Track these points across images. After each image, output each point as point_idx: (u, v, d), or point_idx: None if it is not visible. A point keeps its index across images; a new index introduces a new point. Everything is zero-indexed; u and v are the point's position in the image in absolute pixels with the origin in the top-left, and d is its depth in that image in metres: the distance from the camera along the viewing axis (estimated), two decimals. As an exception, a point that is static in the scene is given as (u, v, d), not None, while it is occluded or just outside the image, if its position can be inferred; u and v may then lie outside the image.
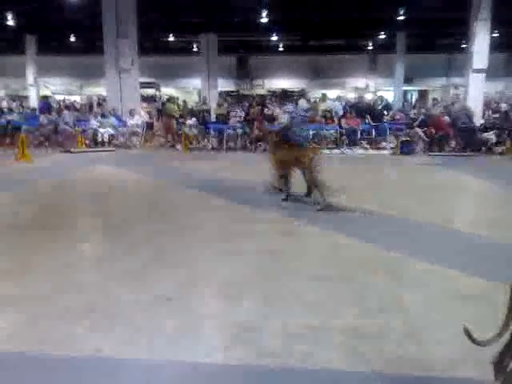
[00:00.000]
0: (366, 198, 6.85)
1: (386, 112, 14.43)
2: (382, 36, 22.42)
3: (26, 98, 23.45)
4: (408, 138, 12.27)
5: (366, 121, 13.25)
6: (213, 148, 13.24)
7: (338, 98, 16.97)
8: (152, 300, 3.47)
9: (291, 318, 3.18)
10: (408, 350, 2.80)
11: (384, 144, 13.03)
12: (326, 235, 5.09)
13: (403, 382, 2.53)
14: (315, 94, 24.19)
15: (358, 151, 12.58)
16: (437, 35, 22.39)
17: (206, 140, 13.73)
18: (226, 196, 6.97)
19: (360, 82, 27.54)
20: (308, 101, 15.87)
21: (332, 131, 13.05)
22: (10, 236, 5.10)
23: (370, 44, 25.29)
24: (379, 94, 21.80)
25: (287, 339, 2.91)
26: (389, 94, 22.59)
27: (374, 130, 13.08)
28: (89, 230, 5.58)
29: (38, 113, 15.14)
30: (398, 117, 13.97)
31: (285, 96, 25.54)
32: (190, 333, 3.00)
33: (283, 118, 6.79)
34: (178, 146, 13.17)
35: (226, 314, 3.27)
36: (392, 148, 12.49)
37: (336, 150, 12.57)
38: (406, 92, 26.51)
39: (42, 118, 13.69)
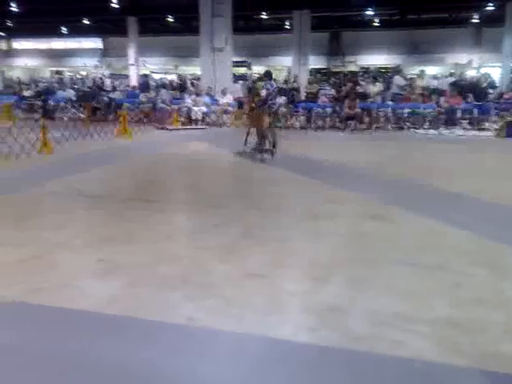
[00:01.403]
0: (463, 183, 6.44)
1: (491, 90, 13.32)
2: (490, 8, 20.52)
3: (127, 76, 24.88)
4: (516, 119, 11.26)
5: (469, 100, 12.33)
6: (301, 127, 13.17)
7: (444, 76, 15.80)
8: (242, 275, 3.57)
9: (379, 303, 3.11)
10: (507, 346, 2.61)
11: (487, 125, 12.07)
12: (419, 221, 4.88)
13: (502, 380, 2.37)
14: (412, 70, 22.97)
15: (458, 132, 11.78)
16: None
17: (294, 118, 13.68)
18: (312, 175, 6.93)
19: (462, 57, 25.58)
20: (404, 78, 15.15)
21: (429, 110, 12.34)
22: (113, 206, 5.50)
23: (475, 16, 23.28)
24: (483, 70, 20.15)
25: (375, 325, 2.84)
26: (495, 71, 20.75)
27: (476, 110, 12.14)
28: (182, 203, 5.84)
29: (138, 91, 16.04)
30: (507, 96, 12.81)
31: (378, 72, 24.49)
32: (278, 310, 3.05)
33: (262, 93, 8.79)
34: (267, 125, 13.24)
35: (313, 294, 3.28)
36: (496, 129, 11.54)
37: (433, 131, 11.90)
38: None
39: (142, 96, 14.48)
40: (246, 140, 9.13)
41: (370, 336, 2.73)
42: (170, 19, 24.97)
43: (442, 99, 12.41)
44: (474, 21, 23.71)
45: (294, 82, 16.34)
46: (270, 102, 8.68)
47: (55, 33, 29.23)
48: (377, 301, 3.14)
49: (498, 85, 14.90)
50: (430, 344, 2.63)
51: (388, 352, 2.57)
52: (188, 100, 13.71)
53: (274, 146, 8.55)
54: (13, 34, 30.11)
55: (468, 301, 3.14)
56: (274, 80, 17.78)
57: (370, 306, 3.07)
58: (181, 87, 16.51)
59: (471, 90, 12.65)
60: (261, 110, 8.72)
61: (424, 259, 3.83)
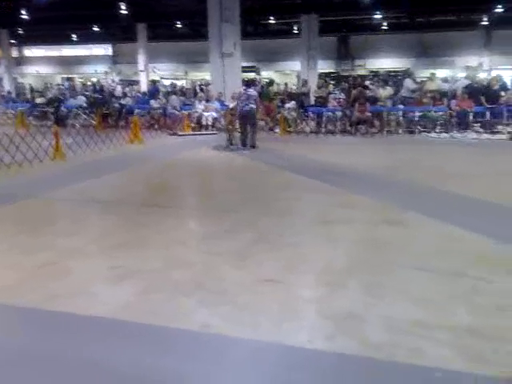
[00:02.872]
0: (478, 187, 6.36)
1: (502, 93, 13.14)
2: (499, 10, 20.38)
3: (137, 82, 25.03)
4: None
5: (481, 102, 12.19)
6: (311, 131, 13.14)
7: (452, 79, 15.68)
8: (255, 281, 3.55)
9: (397, 310, 3.07)
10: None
11: (500, 128, 11.94)
12: (434, 226, 4.81)
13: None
14: (421, 73, 22.88)
15: (470, 136, 11.66)
16: None
17: (304, 123, 13.65)
18: (324, 179, 6.90)
19: (472, 60, 25.39)
20: (415, 81, 15.07)
21: (440, 113, 12.25)
22: (125, 212, 5.50)
23: (485, 19, 23.13)
24: (495, 73, 19.97)
25: (392, 332, 2.79)
26: (506, 73, 20.56)
27: (488, 113, 12.02)
28: (194, 208, 5.84)
29: (147, 97, 16.11)
30: (504, 98, 12.59)
31: (388, 76, 24.41)
32: (293, 317, 3.02)
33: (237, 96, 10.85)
34: (277, 130, 13.25)
35: (329, 300, 3.24)
36: (509, 132, 11.41)
37: (445, 134, 11.80)
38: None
39: (153, 102, 14.54)
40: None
41: (387, 344, 2.68)
42: (179, 25, 25.13)
43: (454, 102, 12.31)
44: (483, 23, 23.57)
45: (303, 86, 16.32)
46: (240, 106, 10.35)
47: (66, 40, 29.57)
48: (394, 307, 3.10)
49: (509, 87, 14.71)
50: (450, 352, 2.58)
51: (407, 360, 2.52)
52: (199, 106, 13.75)
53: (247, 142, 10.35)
54: (24, 41, 30.52)
55: (487, 307, 3.08)
56: (286, 84, 18.02)
57: (386, 312, 3.03)
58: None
59: (483, 93, 12.52)
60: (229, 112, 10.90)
61: (441, 265, 3.78)
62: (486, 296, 3.24)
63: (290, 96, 15.78)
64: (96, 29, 26.49)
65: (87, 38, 29.11)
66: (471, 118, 12.07)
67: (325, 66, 26.07)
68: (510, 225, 4.79)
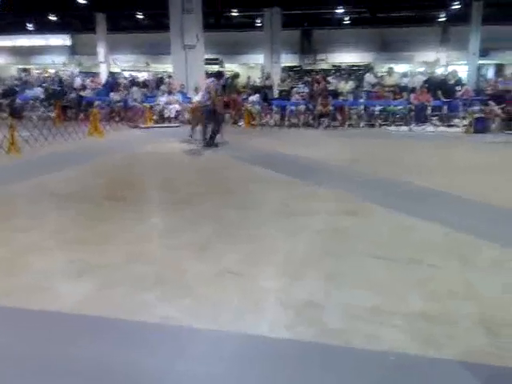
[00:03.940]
0: (434, 178, 6.56)
1: (458, 87, 13.60)
2: (456, 6, 21.01)
3: (97, 74, 24.39)
4: (483, 115, 11.54)
5: (438, 97, 12.57)
6: (275, 124, 13.19)
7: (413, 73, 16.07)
8: (217, 273, 3.55)
9: (354, 298, 3.15)
10: (479, 339, 2.67)
11: (456, 121, 12.36)
12: (392, 216, 4.95)
13: (476, 370, 2.43)
14: (382, 68, 23.34)
15: (428, 128, 12.02)
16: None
17: (268, 116, 13.68)
18: (287, 172, 6.96)
19: (430, 55, 26.09)
20: (375, 75, 15.36)
21: (400, 107, 12.55)
22: (85, 206, 5.38)
23: (442, 15, 23.80)
24: (451, 68, 20.63)
25: (350, 319, 2.87)
26: (462, 69, 21.27)
27: (445, 107, 12.41)
28: (156, 202, 5.76)
29: (105, 89, 15.70)
30: (460, 93, 13.03)
31: (350, 70, 24.77)
32: (254, 307, 3.04)
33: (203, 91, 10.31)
34: (241, 123, 13.23)
35: (289, 290, 3.28)
36: (465, 125, 11.82)
37: (404, 127, 12.10)
38: (480, 66, 24.78)
39: (113, 95, 14.21)
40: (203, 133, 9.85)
41: (345, 330, 2.75)
42: (140, 16, 24.62)
43: (412, 96, 12.63)
44: (441, 19, 24.21)
45: (267, 79, 16.34)
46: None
47: (20, 30, 28.37)
48: (351, 295, 3.17)
49: (464, 82, 15.23)
50: (405, 337, 2.67)
51: (363, 346, 2.60)
52: (162, 99, 13.54)
53: (211, 136, 9.57)
54: (-24, 31, 29.11)
55: (440, 293, 3.20)
56: (249, 78, 17.94)
57: (344, 300, 3.10)
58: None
59: (440, 88, 12.90)
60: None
61: (397, 253, 3.89)
62: (439, 283, 3.37)
63: (254, 89, 15.77)
64: (53, 18, 25.56)
65: (44, 28, 28.03)
66: (429, 111, 12.43)
67: (288, 60, 26.17)
68: (461, 214, 4.98)
